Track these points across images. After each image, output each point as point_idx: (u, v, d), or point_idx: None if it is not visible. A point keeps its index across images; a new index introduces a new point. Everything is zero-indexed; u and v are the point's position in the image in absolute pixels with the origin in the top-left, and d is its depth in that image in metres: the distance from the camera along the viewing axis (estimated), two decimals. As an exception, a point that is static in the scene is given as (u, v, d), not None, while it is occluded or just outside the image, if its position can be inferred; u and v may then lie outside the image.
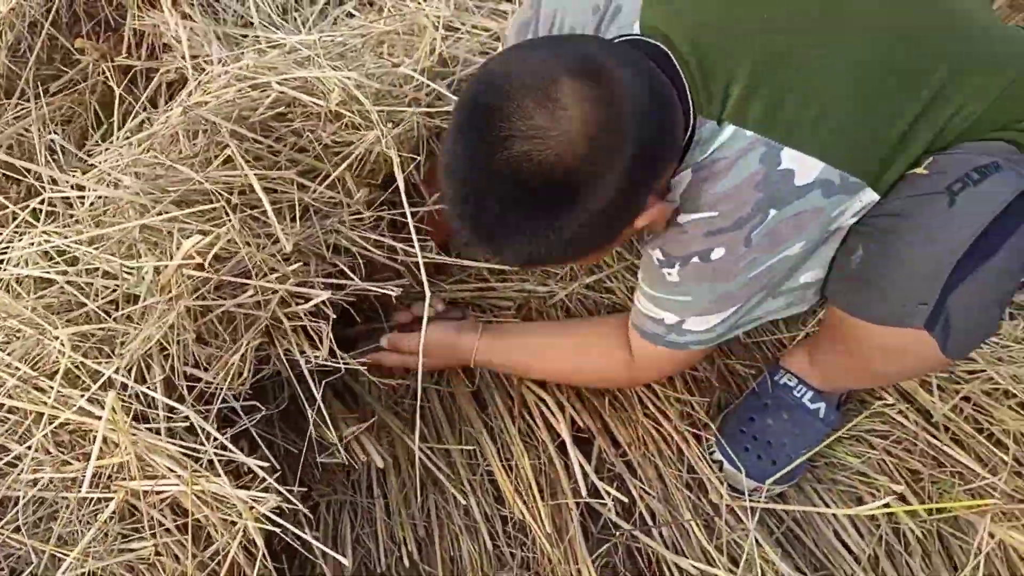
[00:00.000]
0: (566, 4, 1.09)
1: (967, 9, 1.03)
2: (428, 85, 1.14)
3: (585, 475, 1.19)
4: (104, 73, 1.28)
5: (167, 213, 0.97)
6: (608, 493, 1.18)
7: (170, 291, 0.96)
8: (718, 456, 1.26)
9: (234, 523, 0.92)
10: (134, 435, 0.91)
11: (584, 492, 1.17)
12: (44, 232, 1.01)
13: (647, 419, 1.27)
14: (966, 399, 1.32)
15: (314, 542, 0.94)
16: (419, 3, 1.27)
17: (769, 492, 1.23)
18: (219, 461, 0.92)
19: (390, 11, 1.28)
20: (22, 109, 1.28)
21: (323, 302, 1.03)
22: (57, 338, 0.96)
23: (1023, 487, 1.26)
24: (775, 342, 1.39)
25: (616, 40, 0.99)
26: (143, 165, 1.02)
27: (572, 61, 0.83)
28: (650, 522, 1.20)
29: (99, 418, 0.90)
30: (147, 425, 0.95)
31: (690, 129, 0.94)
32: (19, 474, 0.95)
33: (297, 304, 1.03)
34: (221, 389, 1.01)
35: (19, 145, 1.25)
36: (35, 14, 1.37)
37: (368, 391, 1.27)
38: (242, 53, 1.17)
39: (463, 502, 1.20)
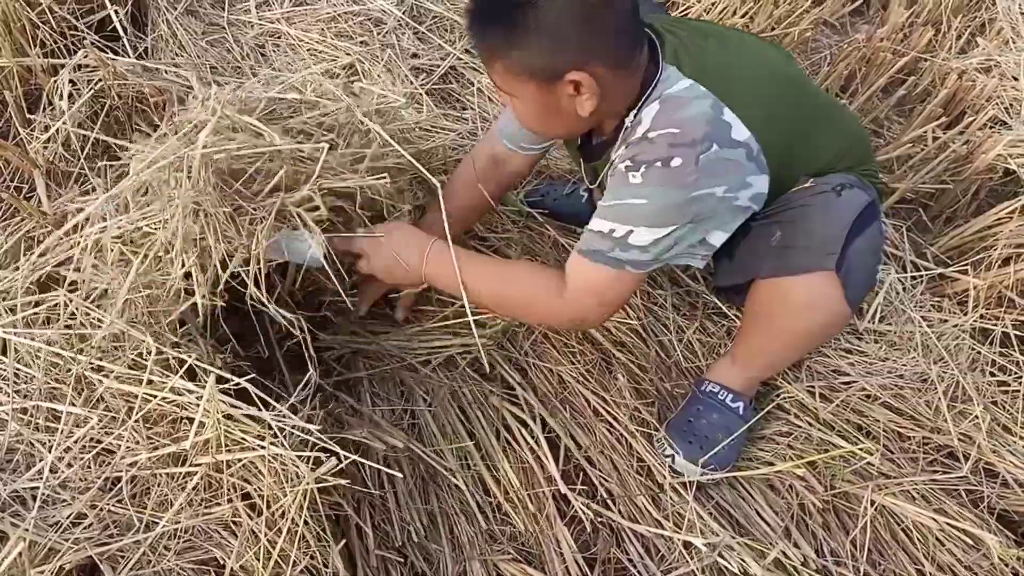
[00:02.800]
0: None
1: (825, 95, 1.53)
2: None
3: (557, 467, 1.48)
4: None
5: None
6: (575, 480, 1.48)
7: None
8: (669, 452, 1.55)
9: (295, 484, 1.17)
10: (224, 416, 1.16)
11: (558, 478, 1.46)
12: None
13: (602, 423, 1.57)
14: (845, 402, 1.67)
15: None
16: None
17: (712, 473, 1.53)
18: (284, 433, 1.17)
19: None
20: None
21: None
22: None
23: (894, 467, 1.62)
24: (698, 368, 1.73)
25: None
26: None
27: None
28: (609, 501, 1.49)
29: (197, 399, 1.16)
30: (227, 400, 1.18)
31: (659, 70, 1.31)
32: (120, 458, 1.19)
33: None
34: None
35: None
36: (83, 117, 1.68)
37: (372, 407, 1.54)
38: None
39: (460, 492, 1.46)
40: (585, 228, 1.36)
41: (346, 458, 1.17)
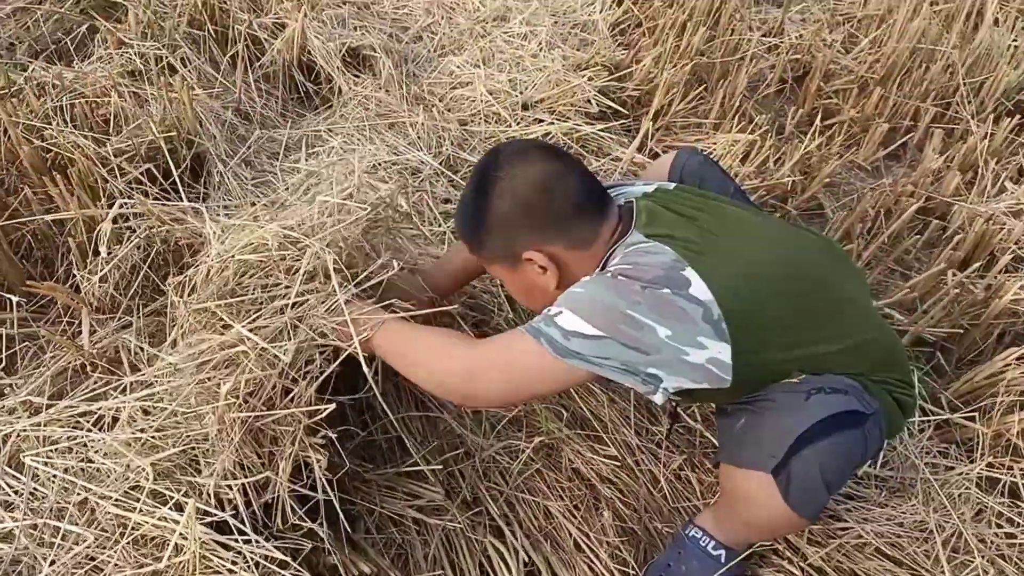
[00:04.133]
0: None
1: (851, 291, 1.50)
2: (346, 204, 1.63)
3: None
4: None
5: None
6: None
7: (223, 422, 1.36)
8: (644, 597, 1.58)
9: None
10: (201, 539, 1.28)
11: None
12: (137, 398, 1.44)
13: (583, 559, 1.60)
14: (839, 548, 1.66)
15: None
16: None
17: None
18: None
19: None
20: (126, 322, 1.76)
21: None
22: (141, 468, 1.35)
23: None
24: (692, 508, 1.75)
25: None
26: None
27: (553, 150, 1.47)
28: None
29: (176, 523, 1.29)
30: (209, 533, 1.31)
31: (624, 232, 1.42)
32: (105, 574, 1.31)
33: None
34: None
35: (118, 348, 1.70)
36: (136, 259, 1.89)
37: (364, 533, 1.62)
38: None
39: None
40: None
41: None
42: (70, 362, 1.66)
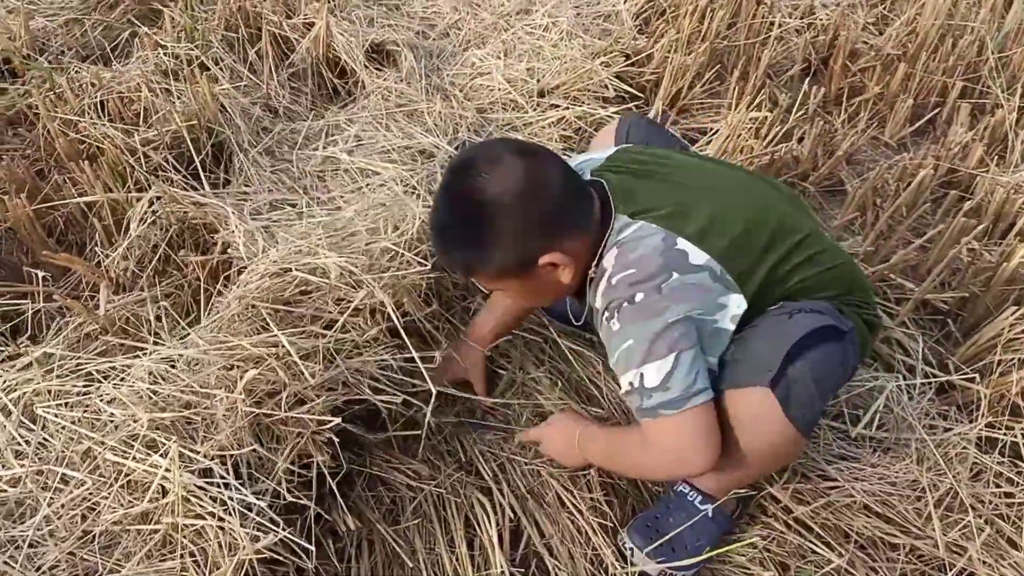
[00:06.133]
0: None
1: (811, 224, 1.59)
2: (403, 254, 1.70)
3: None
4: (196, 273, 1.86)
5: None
6: (529, 566, 1.55)
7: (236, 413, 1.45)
8: (630, 545, 1.59)
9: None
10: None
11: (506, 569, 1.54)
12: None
13: (565, 512, 1.63)
14: (826, 506, 1.64)
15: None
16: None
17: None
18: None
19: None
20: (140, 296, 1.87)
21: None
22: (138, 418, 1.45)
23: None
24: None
25: None
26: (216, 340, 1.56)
27: (519, 146, 1.44)
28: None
29: (154, 467, 1.38)
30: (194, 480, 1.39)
31: (611, 221, 1.45)
32: (98, 514, 1.41)
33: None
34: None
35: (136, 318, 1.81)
36: (157, 239, 2.01)
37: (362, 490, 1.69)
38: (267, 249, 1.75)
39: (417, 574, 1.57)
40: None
41: (285, 531, 1.34)
42: (86, 329, 1.77)
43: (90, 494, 1.44)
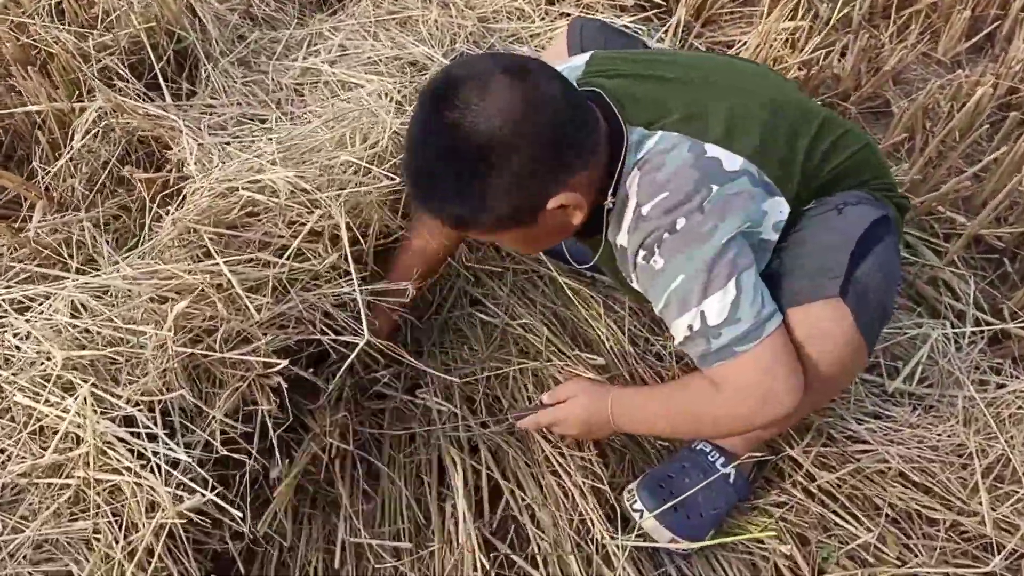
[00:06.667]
0: None
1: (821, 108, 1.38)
2: (371, 170, 1.46)
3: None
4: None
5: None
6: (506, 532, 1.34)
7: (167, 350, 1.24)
8: (638, 505, 1.37)
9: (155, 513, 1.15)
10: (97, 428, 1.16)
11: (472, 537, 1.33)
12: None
13: (552, 476, 1.42)
14: (855, 473, 1.42)
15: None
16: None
17: (682, 541, 1.34)
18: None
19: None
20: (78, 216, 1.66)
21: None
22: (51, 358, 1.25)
23: (908, 554, 1.34)
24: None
25: None
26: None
27: (509, 62, 1.12)
28: (538, 559, 1.33)
29: (66, 412, 1.18)
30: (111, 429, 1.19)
31: (624, 139, 1.19)
32: (2, 464, 1.22)
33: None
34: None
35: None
36: (108, 155, 1.80)
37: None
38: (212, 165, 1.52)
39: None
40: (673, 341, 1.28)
41: (215, 492, 1.14)
42: (17, 253, 1.56)
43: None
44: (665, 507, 1.34)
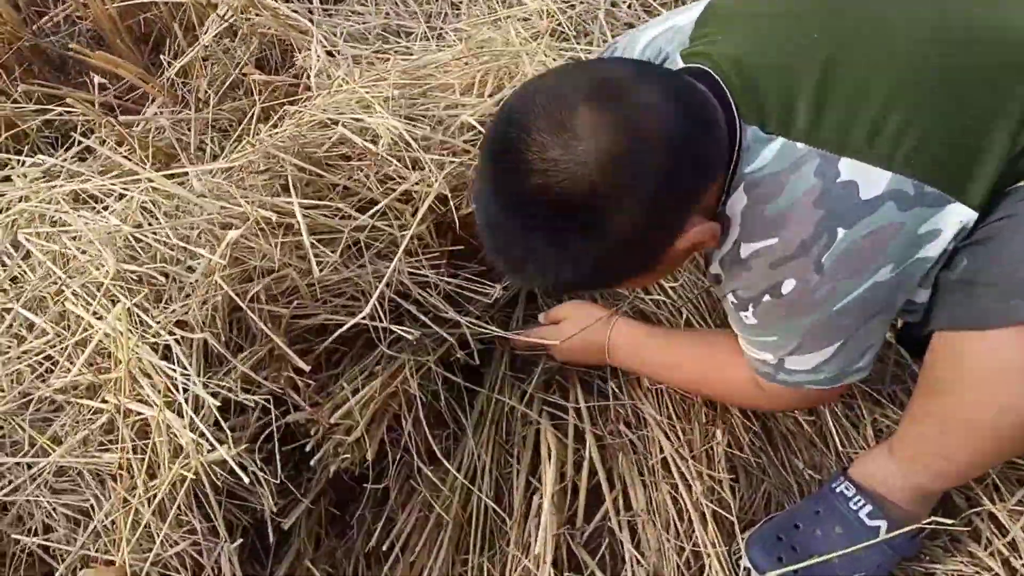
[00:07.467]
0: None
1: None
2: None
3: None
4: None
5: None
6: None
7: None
8: (745, 562, 1.09)
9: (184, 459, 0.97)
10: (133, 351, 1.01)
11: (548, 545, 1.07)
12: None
13: (669, 487, 1.14)
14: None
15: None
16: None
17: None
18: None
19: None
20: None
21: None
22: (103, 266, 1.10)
23: None
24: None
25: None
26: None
27: (590, 86, 0.81)
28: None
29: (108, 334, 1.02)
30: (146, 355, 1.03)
31: (737, 140, 0.88)
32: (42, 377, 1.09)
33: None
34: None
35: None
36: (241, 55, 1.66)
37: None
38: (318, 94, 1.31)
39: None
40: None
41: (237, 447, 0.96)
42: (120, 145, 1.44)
43: (51, 347, 1.11)
44: (782, 571, 1.03)
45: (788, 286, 0.89)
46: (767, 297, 0.92)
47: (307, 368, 1.05)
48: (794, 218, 0.87)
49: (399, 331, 1.08)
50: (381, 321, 1.07)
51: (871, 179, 0.85)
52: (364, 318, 1.05)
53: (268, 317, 1.05)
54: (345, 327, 1.05)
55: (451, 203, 1.15)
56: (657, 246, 0.87)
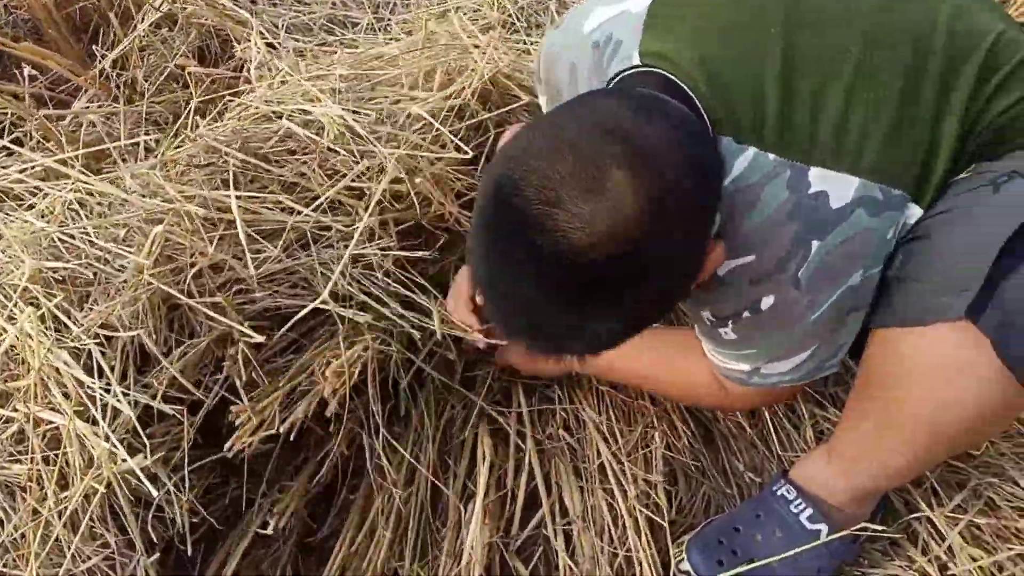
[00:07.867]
0: (566, 43, 1.06)
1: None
2: (441, 132, 1.16)
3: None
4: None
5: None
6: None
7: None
8: (685, 566, 1.06)
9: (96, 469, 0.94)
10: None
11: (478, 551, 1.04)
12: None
13: (604, 493, 1.12)
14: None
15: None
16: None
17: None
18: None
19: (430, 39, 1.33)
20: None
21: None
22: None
23: None
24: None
25: (620, 75, 0.92)
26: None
27: (614, 146, 0.72)
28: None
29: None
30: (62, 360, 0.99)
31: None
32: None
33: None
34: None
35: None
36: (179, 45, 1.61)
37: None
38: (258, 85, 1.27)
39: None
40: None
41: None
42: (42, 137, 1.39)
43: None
44: (721, 570, 1.01)
45: (767, 302, 0.90)
46: (746, 314, 0.92)
47: (261, 339, 1.00)
48: (771, 231, 0.86)
49: (348, 314, 1.04)
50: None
51: (840, 187, 0.84)
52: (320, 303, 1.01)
53: (210, 307, 1.01)
54: (304, 311, 1.00)
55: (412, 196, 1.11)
56: (681, 292, 0.83)
